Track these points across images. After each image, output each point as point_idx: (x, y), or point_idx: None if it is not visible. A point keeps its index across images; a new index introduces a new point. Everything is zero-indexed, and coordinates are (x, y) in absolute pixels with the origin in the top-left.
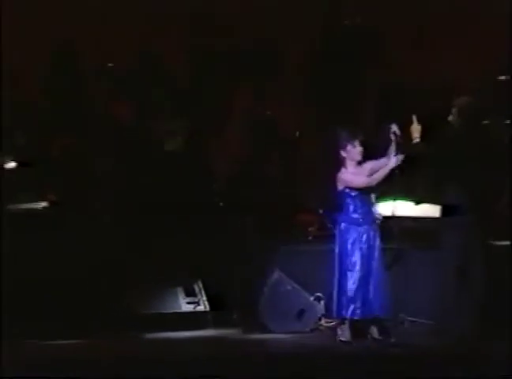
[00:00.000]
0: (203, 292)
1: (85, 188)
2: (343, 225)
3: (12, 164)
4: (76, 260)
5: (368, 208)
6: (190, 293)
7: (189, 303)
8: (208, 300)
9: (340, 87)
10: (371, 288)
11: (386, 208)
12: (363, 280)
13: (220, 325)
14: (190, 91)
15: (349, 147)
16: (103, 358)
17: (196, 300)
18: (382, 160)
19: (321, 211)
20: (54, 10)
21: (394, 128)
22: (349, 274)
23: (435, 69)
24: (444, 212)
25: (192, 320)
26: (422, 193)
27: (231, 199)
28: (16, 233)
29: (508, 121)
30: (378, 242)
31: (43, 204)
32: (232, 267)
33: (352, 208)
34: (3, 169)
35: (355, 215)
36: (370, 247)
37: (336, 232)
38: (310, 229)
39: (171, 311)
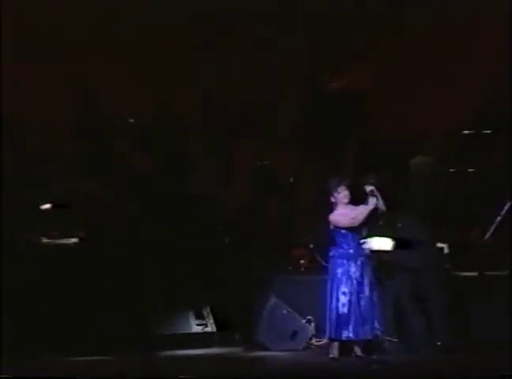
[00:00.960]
0: (210, 316)
1: (109, 226)
2: (335, 258)
3: (47, 206)
4: (101, 288)
5: (357, 243)
6: (199, 316)
7: (198, 325)
8: (215, 322)
9: (329, 141)
10: (361, 313)
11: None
12: (352, 306)
13: (224, 344)
14: (202, 146)
15: (335, 193)
16: (125, 373)
17: (204, 322)
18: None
19: (311, 246)
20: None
21: (369, 188)
22: (340, 301)
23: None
24: (397, 246)
25: (201, 339)
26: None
27: (236, 237)
28: (50, 263)
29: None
30: (367, 272)
31: (74, 239)
32: (236, 294)
33: (342, 243)
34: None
35: (345, 250)
36: (360, 277)
37: (329, 264)
38: (301, 261)
39: (183, 332)
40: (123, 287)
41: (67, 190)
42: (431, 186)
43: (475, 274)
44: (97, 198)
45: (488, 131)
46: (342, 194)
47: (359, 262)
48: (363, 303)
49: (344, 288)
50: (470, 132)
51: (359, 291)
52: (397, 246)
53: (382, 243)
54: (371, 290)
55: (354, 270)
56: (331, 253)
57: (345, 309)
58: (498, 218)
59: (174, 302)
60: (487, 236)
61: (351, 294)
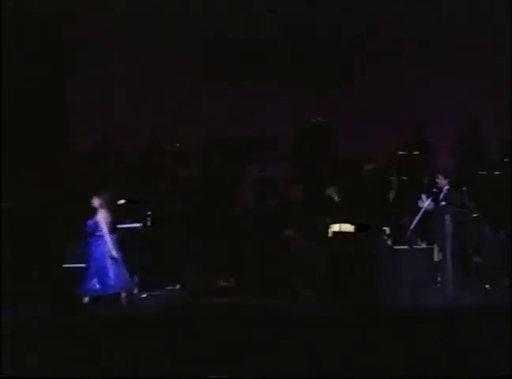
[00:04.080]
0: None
1: (164, 216)
2: (93, 237)
3: (122, 201)
4: (156, 256)
5: (106, 231)
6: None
7: (224, 282)
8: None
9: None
10: (110, 275)
11: (335, 227)
12: (101, 269)
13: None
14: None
15: (97, 200)
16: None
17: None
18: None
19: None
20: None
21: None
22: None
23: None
24: (357, 229)
25: (225, 292)
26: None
27: (245, 226)
28: (123, 241)
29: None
30: (112, 248)
31: (139, 224)
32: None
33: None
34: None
35: (99, 233)
36: (109, 252)
37: (93, 241)
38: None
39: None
40: (173, 257)
41: (137, 191)
42: (379, 187)
43: (406, 247)
44: (156, 197)
45: (417, 152)
46: (96, 201)
47: (107, 240)
48: (113, 267)
49: (99, 259)
50: (403, 152)
51: (108, 259)
52: (350, 229)
53: (343, 227)
54: (118, 262)
55: (105, 246)
56: (96, 236)
57: (96, 271)
58: (422, 210)
59: (206, 269)
60: (414, 222)
61: (100, 261)
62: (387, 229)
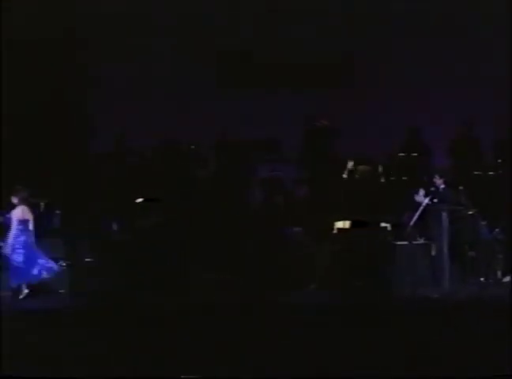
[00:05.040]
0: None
1: (177, 214)
2: (15, 230)
3: (140, 199)
4: (168, 251)
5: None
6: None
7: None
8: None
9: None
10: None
11: (339, 224)
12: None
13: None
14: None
15: (15, 197)
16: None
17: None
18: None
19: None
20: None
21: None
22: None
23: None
24: (353, 225)
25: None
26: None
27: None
28: (137, 237)
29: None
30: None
31: (154, 222)
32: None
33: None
34: (135, 202)
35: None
36: (30, 243)
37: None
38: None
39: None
40: (183, 252)
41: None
42: (380, 187)
43: (406, 243)
44: (172, 196)
45: (415, 154)
46: (15, 198)
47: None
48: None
49: (20, 251)
50: (404, 154)
51: (35, 252)
52: (353, 226)
53: (345, 223)
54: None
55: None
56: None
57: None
58: (421, 208)
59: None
60: (413, 219)
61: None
62: (388, 226)
